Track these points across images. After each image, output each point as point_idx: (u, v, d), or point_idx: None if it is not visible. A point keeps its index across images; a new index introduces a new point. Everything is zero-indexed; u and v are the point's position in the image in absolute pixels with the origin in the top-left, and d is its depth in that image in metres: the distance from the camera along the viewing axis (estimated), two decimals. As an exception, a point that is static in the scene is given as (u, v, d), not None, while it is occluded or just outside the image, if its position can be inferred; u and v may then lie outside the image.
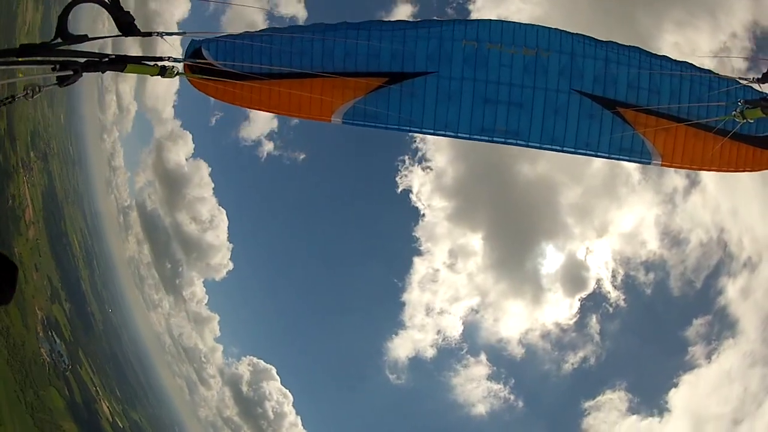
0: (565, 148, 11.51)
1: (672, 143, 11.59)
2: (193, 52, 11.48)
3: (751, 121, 10.94)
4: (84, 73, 8.84)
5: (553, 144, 11.50)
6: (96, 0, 9.38)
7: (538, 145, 11.53)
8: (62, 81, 8.60)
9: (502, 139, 11.59)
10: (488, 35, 11.25)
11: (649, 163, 11.68)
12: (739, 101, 11.02)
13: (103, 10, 9.52)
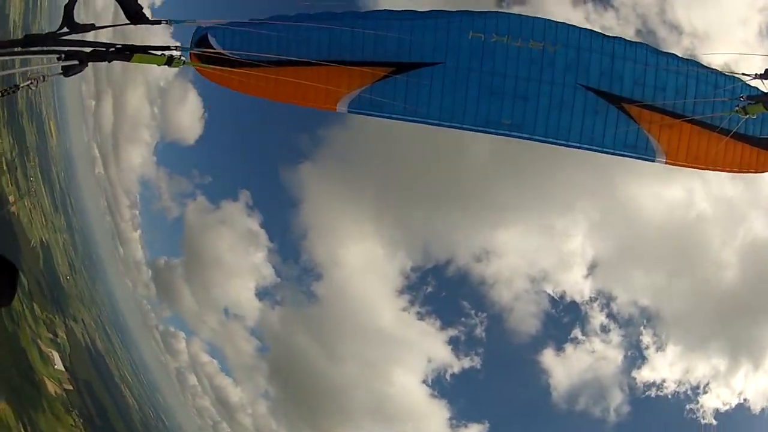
0: (569, 143, 11.50)
1: (677, 141, 11.57)
2: (199, 39, 11.40)
3: (754, 116, 10.92)
4: (89, 63, 8.69)
5: (558, 138, 11.48)
6: None
7: (542, 138, 11.52)
8: (68, 71, 8.45)
9: (507, 132, 11.58)
10: (495, 27, 11.20)
11: (653, 161, 11.66)
12: (741, 97, 11.03)
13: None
